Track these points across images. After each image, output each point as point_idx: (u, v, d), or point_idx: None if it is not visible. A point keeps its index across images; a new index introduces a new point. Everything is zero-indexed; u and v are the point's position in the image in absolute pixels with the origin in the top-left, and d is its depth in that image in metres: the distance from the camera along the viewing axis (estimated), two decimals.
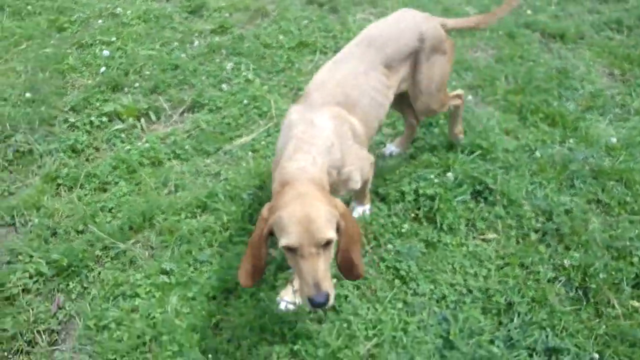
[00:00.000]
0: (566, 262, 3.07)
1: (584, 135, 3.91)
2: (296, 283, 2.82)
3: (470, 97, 4.26)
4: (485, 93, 4.33)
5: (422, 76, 3.12)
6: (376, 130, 3.08)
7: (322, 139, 2.56)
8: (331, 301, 2.19)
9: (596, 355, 2.72)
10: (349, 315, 2.85)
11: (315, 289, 2.14)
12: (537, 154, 3.73)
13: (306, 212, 2.18)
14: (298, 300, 2.88)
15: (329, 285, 2.18)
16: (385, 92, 2.97)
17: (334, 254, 2.35)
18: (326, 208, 2.24)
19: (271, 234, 2.32)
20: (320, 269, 2.17)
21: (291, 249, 2.19)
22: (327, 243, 2.20)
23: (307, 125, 2.59)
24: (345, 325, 2.81)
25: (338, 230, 2.28)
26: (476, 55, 4.83)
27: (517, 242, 3.22)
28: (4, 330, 2.87)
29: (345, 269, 2.39)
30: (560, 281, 3.03)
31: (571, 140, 3.90)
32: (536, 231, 3.25)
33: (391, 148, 3.79)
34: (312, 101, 2.73)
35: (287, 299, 2.91)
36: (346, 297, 2.93)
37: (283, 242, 2.19)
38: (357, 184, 2.83)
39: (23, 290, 3.07)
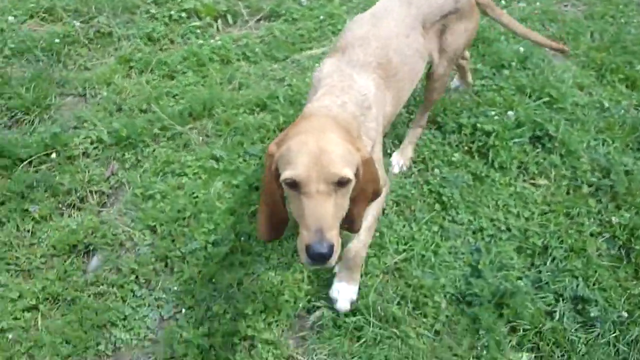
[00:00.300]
0: (614, 220, 2.99)
1: None
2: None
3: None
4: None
5: (449, 41, 2.84)
6: (403, 105, 2.77)
7: (359, 93, 2.25)
8: (334, 257, 1.76)
9: (625, 314, 2.67)
10: (383, 227, 2.89)
11: (317, 235, 1.71)
12: (608, 112, 3.58)
13: (320, 143, 1.80)
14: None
15: (335, 237, 1.77)
16: (424, 56, 2.73)
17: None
18: (346, 145, 1.86)
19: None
20: (328, 213, 1.76)
21: (294, 185, 1.79)
22: (342, 183, 1.80)
23: (345, 77, 2.29)
24: (377, 235, 2.85)
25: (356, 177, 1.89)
26: (565, 9, 4.62)
27: (567, 193, 3.15)
28: (61, 184, 3.07)
29: (348, 219, 2.00)
30: (603, 237, 2.97)
31: None
32: (590, 185, 3.16)
33: (456, 83, 3.71)
34: (352, 57, 2.40)
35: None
36: (384, 210, 2.96)
37: (286, 174, 1.78)
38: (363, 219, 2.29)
39: (83, 153, 3.26)
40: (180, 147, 3.28)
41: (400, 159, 3.21)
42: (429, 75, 2.98)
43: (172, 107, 3.46)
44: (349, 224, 2.06)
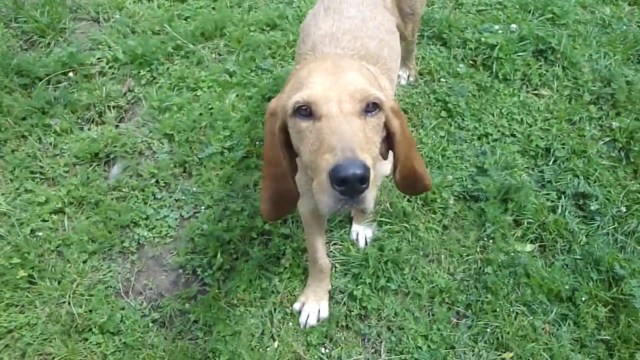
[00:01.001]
0: (614, 124, 3.10)
1: None
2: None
3: None
4: None
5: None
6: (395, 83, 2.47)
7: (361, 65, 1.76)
8: (371, 193, 1.32)
9: (623, 209, 2.80)
10: None
11: (345, 153, 1.27)
12: (610, 28, 3.66)
13: (339, 63, 1.51)
14: (323, 310, 2.50)
15: (367, 158, 1.32)
16: (395, 29, 2.45)
17: (389, 169, 1.68)
18: (371, 73, 1.62)
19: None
20: (359, 134, 1.37)
21: (308, 113, 1.41)
22: (370, 109, 1.43)
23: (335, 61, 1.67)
24: None
25: (389, 133, 1.56)
26: None
27: (569, 101, 3.25)
28: (80, 100, 3.17)
29: (409, 182, 1.70)
30: (604, 140, 3.08)
31: None
32: (591, 93, 3.26)
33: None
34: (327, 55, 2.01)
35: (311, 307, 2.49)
36: None
37: (295, 98, 1.41)
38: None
39: (100, 72, 3.36)
40: (193, 64, 3.38)
41: (404, 72, 3.28)
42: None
43: (184, 27, 3.54)
44: (417, 183, 1.71)
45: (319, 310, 2.48)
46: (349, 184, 1.24)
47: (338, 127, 1.33)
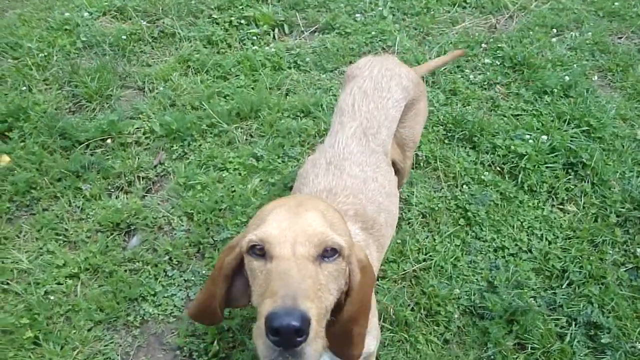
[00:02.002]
0: (639, 251, 3.00)
1: None
2: None
3: (596, 77, 4.11)
4: (615, 78, 4.15)
5: (407, 134, 2.62)
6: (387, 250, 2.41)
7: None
8: (311, 345, 1.19)
9: (638, 345, 2.68)
10: (405, 236, 3.00)
11: (284, 300, 1.17)
12: None
13: (303, 204, 1.43)
14: None
15: (313, 313, 1.21)
16: (397, 193, 2.40)
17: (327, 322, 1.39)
18: (339, 216, 1.49)
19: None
20: (307, 280, 1.25)
21: (261, 252, 1.34)
22: (329, 255, 1.35)
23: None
24: (399, 242, 2.97)
25: (349, 287, 1.46)
26: (619, 41, 4.61)
27: (595, 220, 3.17)
28: (113, 167, 3.33)
29: (340, 343, 1.50)
30: (626, 267, 2.97)
31: None
32: (618, 215, 3.17)
33: None
34: None
35: None
36: (409, 220, 3.08)
37: (252, 235, 1.34)
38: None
39: (136, 142, 3.53)
40: (224, 143, 3.50)
41: None
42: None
43: (221, 106, 3.69)
44: (347, 347, 1.54)
45: None
46: (283, 335, 1.13)
47: (286, 271, 1.25)
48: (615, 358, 2.64)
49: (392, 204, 2.26)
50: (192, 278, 2.88)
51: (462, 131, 3.57)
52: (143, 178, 3.34)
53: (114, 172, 3.32)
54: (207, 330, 2.66)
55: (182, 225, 3.09)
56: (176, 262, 2.95)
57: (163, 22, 4.46)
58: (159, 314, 2.77)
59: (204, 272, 2.89)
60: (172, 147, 3.48)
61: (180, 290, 2.85)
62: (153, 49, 4.27)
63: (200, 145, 3.50)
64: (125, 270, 2.91)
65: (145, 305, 2.79)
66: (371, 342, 1.81)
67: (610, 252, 3.01)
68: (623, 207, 3.19)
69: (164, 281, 2.88)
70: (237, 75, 4.02)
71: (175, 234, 3.06)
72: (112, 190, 3.29)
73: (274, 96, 3.82)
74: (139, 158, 3.40)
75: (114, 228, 3.07)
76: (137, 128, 3.56)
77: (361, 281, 1.45)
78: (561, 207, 3.25)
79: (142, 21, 4.40)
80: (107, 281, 2.86)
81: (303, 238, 1.31)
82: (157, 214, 3.13)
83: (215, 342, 2.62)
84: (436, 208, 3.17)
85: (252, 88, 3.90)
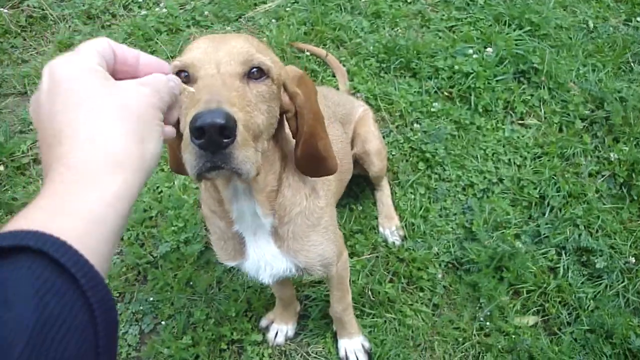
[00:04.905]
0: (612, 156, 2.77)
1: None
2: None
3: None
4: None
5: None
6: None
7: None
8: (238, 139, 1.07)
9: (632, 259, 2.50)
10: (367, 203, 2.68)
11: (208, 103, 1.05)
12: (596, 32, 3.29)
13: (227, 35, 1.32)
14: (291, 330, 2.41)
15: (236, 112, 1.10)
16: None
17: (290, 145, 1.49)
18: (265, 46, 1.37)
19: None
20: (231, 92, 1.15)
21: (188, 77, 1.23)
22: (255, 75, 1.25)
23: None
24: (360, 209, 2.64)
25: (295, 106, 1.40)
26: None
27: (560, 130, 2.92)
28: (14, 199, 2.82)
29: (311, 163, 1.52)
30: (603, 176, 2.75)
31: (638, 19, 3.41)
32: (583, 119, 2.92)
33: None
34: None
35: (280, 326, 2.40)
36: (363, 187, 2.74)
37: (176, 61, 1.24)
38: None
39: (34, 160, 3.00)
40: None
41: (387, 227, 2.67)
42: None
43: None
44: (319, 165, 1.53)
45: (287, 330, 2.39)
46: (207, 135, 1.01)
47: (210, 84, 1.15)
48: (612, 279, 2.46)
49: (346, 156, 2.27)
50: (141, 308, 2.49)
51: (397, 59, 3.18)
52: None
53: (17, 204, 2.80)
54: None
55: None
56: (117, 294, 2.54)
57: (28, 5, 3.77)
58: None
59: (151, 298, 2.51)
60: None
61: (131, 325, 2.46)
62: (25, 40, 3.61)
63: None
64: None
65: None
66: (328, 247, 1.74)
67: (584, 162, 2.78)
68: (586, 109, 2.93)
69: None
70: None
71: None
72: None
73: None
74: (42, 179, 2.88)
75: None
76: (32, 143, 3.01)
77: (304, 93, 1.40)
78: (522, 122, 2.97)
79: (1, 9, 3.70)
80: None
81: (228, 58, 1.22)
82: None
83: None
84: (390, 157, 2.82)
85: None
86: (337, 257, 1.84)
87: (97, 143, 0.68)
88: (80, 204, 0.64)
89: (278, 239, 1.62)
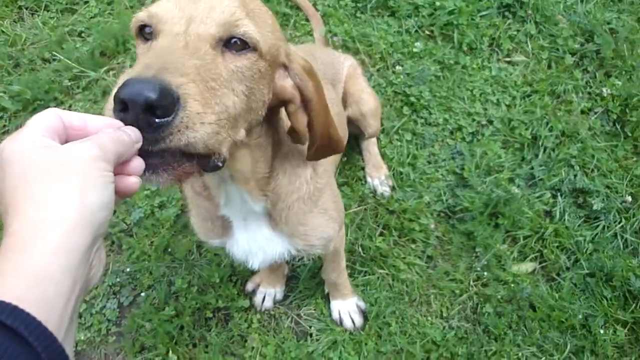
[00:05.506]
0: (605, 91, 2.64)
1: None
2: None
3: None
4: None
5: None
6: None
7: None
8: (186, 116, 0.81)
9: (629, 198, 2.43)
10: (350, 152, 2.53)
11: (142, 69, 0.81)
12: None
13: None
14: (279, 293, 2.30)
15: (185, 85, 0.83)
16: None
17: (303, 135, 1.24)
18: (266, 11, 1.12)
19: None
20: (189, 60, 0.88)
21: (150, 31, 0.99)
22: (240, 43, 0.98)
23: None
24: (345, 159, 2.50)
25: (303, 96, 1.16)
26: None
27: (549, 67, 2.77)
28: None
29: (324, 151, 1.32)
30: (595, 113, 2.64)
31: None
32: (572, 54, 2.77)
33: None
34: None
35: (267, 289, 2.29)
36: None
37: (141, 13, 1.00)
38: (324, 244, 1.61)
39: None
40: (99, 96, 2.77)
41: (375, 177, 2.52)
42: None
43: (79, 49, 2.90)
44: (330, 149, 1.34)
45: (275, 293, 2.27)
46: (132, 112, 0.78)
47: (167, 45, 0.90)
48: (610, 220, 2.38)
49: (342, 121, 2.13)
50: (118, 280, 2.34)
51: None
52: None
53: None
54: (156, 342, 2.18)
55: None
56: None
57: None
58: (94, 337, 2.25)
59: (128, 269, 2.35)
60: None
61: (109, 299, 2.31)
62: None
63: (70, 107, 2.75)
64: None
65: None
66: (328, 226, 1.56)
67: (575, 99, 2.64)
68: (575, 43, 2.78)
69: (85, 296, 2.32)
70: (85, 2, 3.15)
71: None
72: None
73: None
74: None
75: None
76: None
77: (315, 85, 1.16)
78: (509, 59, 2.81)
79: None
80: None
81: (204, 15, 0.95)
82: None
83: (170, 352, 2.16)
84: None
85: (110, 14, 3.08)
86: (337, 232, 1.67)
87: (36, 205, 0.68)
88: (20, 263, 0.64)
89: (272, 222, 1.44)
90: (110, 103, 0.81)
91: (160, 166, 0.85)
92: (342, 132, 2.05)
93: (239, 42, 0.97)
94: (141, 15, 0.98)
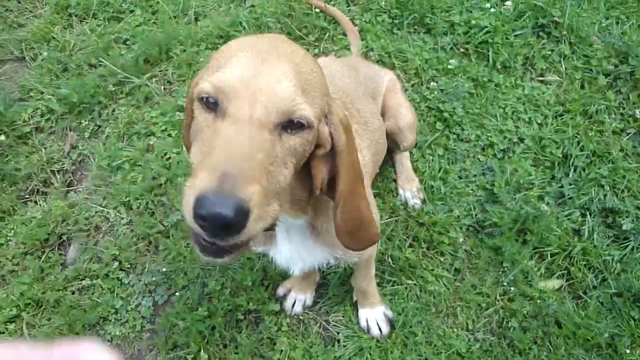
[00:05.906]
0: (638, 113, 2.67)
1: None
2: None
3: None
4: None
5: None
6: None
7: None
8: (248, 234, 0.94)
9: None
10: (384, 165, 2.58)
11: (219, 180, 0.90)
12: None
13: (275, 47, 1.08)
14: (309, 299, 2.36)
15: (256, 198, 0.93)
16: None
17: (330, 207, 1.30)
18: (317, 70, 1.14)
19: None
20: (256, 156, 0.97)
21: (213, 105, 1.04)
22: (294, 125, 1.04)
23: None
24: (378, 171, 2.55)
25: (335, 151, 1.18)
26: None
27: (582, 87, 2.80)
28: (18, 169, 2.72)
29: (353, 228, 1.29)
30: (628, 134, 2.66)
31: None
32: (606, 75, 2.79)
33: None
34: None
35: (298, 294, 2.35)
36: None
37: (204, 84, 1.03)
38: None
39: (36, 129, 2.88)
40: (141, 102, 2.89)
41: (407, 189, 2.57)
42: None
43: (124, 56, 3.02)
44: (361, 231, 1.33)
45: (305, 299, 2.34)
46: (210, 225, 0.90)
47: (235, 139, 0.97)
48: (639, 241, 2.38)
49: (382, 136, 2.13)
50: (154, 279, 2.43)
51: (410, 14, 3.03)
52: (58, 171, 2.74)
53: (21, 175, 2.70)
54: (188, 340, 2.26)
55: (122, 219, 2.57)
56: (129, 266, 2.47)
57: None
58: (128, 333, 2.34)
59: (164, 269, 2.44)
60: (81, 123, 2.85)
61: (144, 297, 2.40)
62: (20, 2, 3.44)
63: (113, 111, 2.87)
64: (73, 292, 2.43)
65: (109, 327, 2.34)
66: None
67: (608, 120, 2.67)
68: (609, 64, 2.81)
69: (121, 292, 2.42)
70: (131, 11, 3.28)
71: (116, 231, 2.55)
72: (27, 196, 2.70)
73: (182, 26, 3.14)
74: (45, 148, 2.78)
75: (43, 245, 2.53)
76: (32, 111, 2.89)
77: (347, 142, 1.18)
78: (542, 79, 2.84)
79: None
80: (56, 312, 2.38)
81: (266, 98, 1.00)
82: (88, 213, 2.59)
83: (202, 351, 2.24)
84: None
85: (154, 23, 3.20)
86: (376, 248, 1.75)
87: None
88: None
89: (314, 233, 1.48)
90: (189, 205, 0.91)
91: (225, 252, 1.01)
92: (382, 146, 2.12)
93: (295, 123, 1.04)
94: (206, 87, 1.02)
